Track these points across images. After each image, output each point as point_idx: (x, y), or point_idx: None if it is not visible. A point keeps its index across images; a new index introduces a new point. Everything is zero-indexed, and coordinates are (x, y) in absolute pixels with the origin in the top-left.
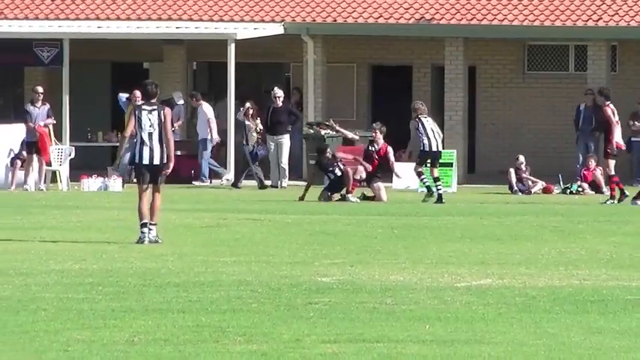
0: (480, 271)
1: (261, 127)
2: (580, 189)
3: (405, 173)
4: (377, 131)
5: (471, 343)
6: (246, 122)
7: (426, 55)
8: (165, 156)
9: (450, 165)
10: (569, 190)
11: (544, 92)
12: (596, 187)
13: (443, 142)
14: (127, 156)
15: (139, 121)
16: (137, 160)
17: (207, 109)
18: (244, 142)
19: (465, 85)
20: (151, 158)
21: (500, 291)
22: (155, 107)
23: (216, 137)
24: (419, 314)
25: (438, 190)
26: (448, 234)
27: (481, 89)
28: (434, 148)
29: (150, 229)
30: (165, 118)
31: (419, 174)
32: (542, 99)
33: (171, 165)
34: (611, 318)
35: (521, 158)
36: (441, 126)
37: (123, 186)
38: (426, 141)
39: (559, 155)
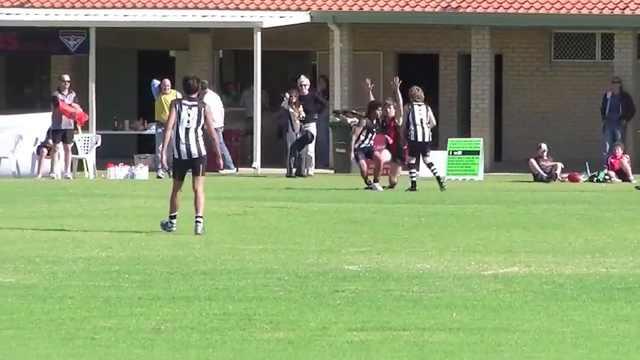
0: (506, 258)
1: (304, 115)
2: (607, 177)
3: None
4: (391, 106)
5: (498, 331)
6: (290, 110)
7: (452, 43)
8: (201, 149)
9: (477, 153)
10: (596, 179)
11: (570, 80)
12: (623, 175)
13: (437, 130)
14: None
15: (178, 115)
16: (176, 156)
17: (212, 97)
18: (290, 129)
19: (492, 73)
20: (188, 153)
21: (527, 279)
22: (195, 103)
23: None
24: (446, 302)
25: (412, 176)
26: (475, 222)
27: (508, 77)
28: (419, 139)
29: (198, 222)
30: (206, 115)
31: (429, 165)
32: (568, 87)
33: (219, 161)
34: (638, 305)
35: (544, 146)
36: (468, 114)
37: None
38: (412, 130)
39: (586, 143)
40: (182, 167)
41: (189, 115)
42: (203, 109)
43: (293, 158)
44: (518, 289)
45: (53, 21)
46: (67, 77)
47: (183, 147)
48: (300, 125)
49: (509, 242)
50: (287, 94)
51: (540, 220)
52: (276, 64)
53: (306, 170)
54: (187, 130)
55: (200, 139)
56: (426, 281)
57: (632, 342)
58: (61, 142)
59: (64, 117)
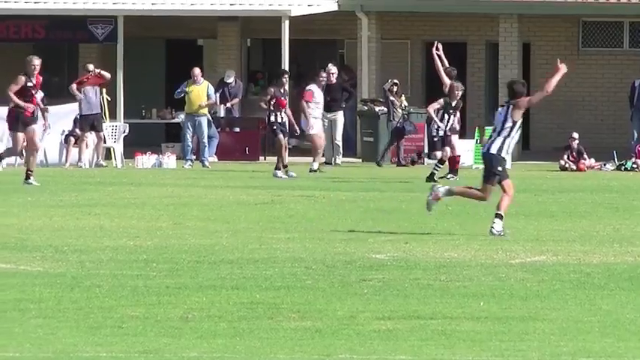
0: (534, 247)
1: (406, 104)
2: (635, 166)
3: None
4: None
5: (526, 320)
6: (391, 98)
7: (480, 31)
8: None
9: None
10: (623, 167)
11: (598, 69)
12: None
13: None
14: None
15: None
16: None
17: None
18: (390, 118)
19: (520, 61)
20: None
21: (554, 268)
22: None
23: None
24: (473, 291)
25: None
26: None
27: (536, 66)
28: (440, 133)
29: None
30: None
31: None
32: (596, 75)
33: None
34: None
35: (575, 135)
36: (496, 103)
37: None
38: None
39: (613, 132)
40: None
41: None
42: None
43: (390, 147)
44: (546, 278)
45: (81, 9)
46: (91, 66)
47: None
48: (403, 114)
49: (536, 231)
50: (388, 82)
51: (568, 209)
52: (304, 53)
53: (334, 159)
54: None
55: None
56: (453, 270)
57: None
58: (90, 132)
59: (90, 103)
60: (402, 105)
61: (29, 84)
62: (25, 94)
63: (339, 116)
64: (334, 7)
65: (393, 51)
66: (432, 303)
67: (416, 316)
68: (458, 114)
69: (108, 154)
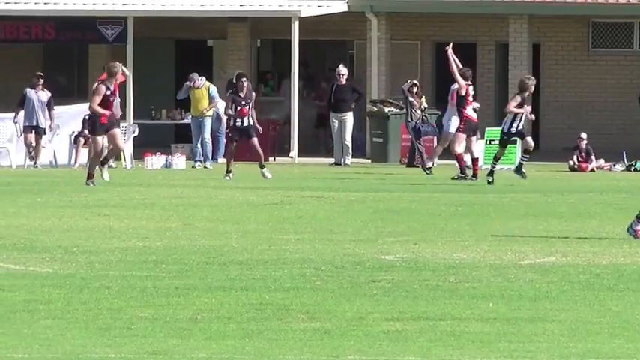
0: (543, 248)
1: (426, 105)
2: None
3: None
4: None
5: (535, 321)
6: (410, 98)
7: (490, 32)
8: None
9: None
10: (633, 168)
11: (608, 69)
12: None
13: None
14: None
15: None
16: None
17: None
18: (409, 119)
19: (530, 62)
20: None
21: (564, 268)
22: None
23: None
24: (482, 292)
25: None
26: (512, 211)
27: (545, 66)
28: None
29: None
30: None
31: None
32: (606, 76)
33: None
34: None
35: (583, 135)
36: (505, 103)
37: None
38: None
39: (623, 132)
40: None
41: None
42: None
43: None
44: (555, 279)
45: (91, 10)
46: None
47: None
48: (422, 116)
49: (546, 232)
50: (407, 82)
51: (577, 210)
52: (314, 54)
53: (343, 160)
54: None
55: None
56: (462, 271)
57: None
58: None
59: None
60: (422, 106)
61: (108, 92)
62: (104, 102)
63: (349, 117)
64: (344, 8)
65: (402, 52)
66: (441, 304)
67: (425, 317)
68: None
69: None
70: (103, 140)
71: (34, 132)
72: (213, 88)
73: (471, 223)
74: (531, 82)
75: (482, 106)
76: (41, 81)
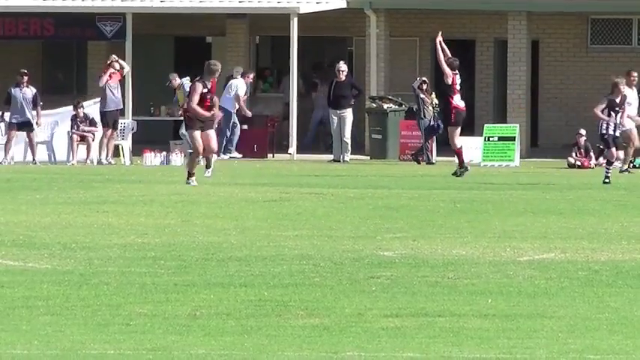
0: (542, 245)
1: (437, 102)
2: None
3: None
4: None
5: (534, 317)
6: (421, 96)
7: (489, 29)
8: None
9: (513, 139)
10: (632, 164)
11: (607, 66)
12: None
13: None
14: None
15: None
16: None
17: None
18: (421, 116)
19: (528, 59)
20: None
21: (562, 265)
22: None
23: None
24: (481, 288)
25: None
26: (511, 208)
27: (544, 63)
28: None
29: None
30: None
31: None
32: (605, 73)
33: None
34: None
35: (582, 131)
36: (504, 100)
37: None
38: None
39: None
40: None
41: None
42: None
43: (426, 144)
44: (554, 276)
45: (90, 7)
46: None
47: None
48: (434, 112)
49: (544, 228)
50: (417, 79)
51: (576, 206)
52: (313, 50)
53: (342, 156)
54: None
55: None
56: (461, 267)
57: None
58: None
59: (117, 99)
60: (433, 102)
61: (205, 90)
62: (201, 100)
63: (348, 114)
64: (343, 5)
65: (401, 48)
66: (440, 300)
67: (424, 314)
68: (628, 109)
69: (116, 151)
70: (199, 136)
71: (25, 129)
72: (187, 85)
73: (470, 220)
74: (620, 83)
75: (481, 103)
76: (25, 79)
